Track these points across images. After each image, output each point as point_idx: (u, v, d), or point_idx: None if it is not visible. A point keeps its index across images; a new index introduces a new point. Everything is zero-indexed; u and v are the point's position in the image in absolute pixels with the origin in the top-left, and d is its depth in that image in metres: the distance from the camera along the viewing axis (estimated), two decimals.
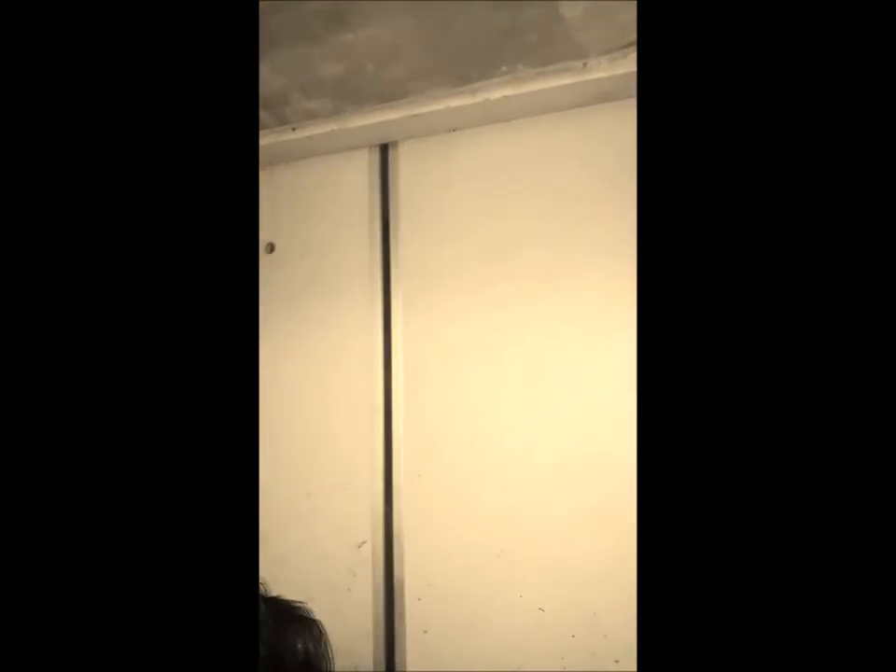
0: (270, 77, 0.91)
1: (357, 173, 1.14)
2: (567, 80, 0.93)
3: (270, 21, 0.78)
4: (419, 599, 0.99)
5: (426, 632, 0.99)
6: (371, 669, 1.01)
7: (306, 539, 1.09)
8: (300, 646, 0.84)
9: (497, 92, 0.96)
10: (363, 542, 1.05)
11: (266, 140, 1.11)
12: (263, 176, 1.21)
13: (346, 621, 1.04)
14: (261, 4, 0.74)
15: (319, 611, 1.07)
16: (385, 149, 1.13)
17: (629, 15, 0.77)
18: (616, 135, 0.96)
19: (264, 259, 1.18)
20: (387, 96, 0.99)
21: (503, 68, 0.92)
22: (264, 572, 1.12)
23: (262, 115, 1.04)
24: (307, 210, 1.17)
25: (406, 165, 1.11)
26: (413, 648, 0.99)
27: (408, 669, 0.99)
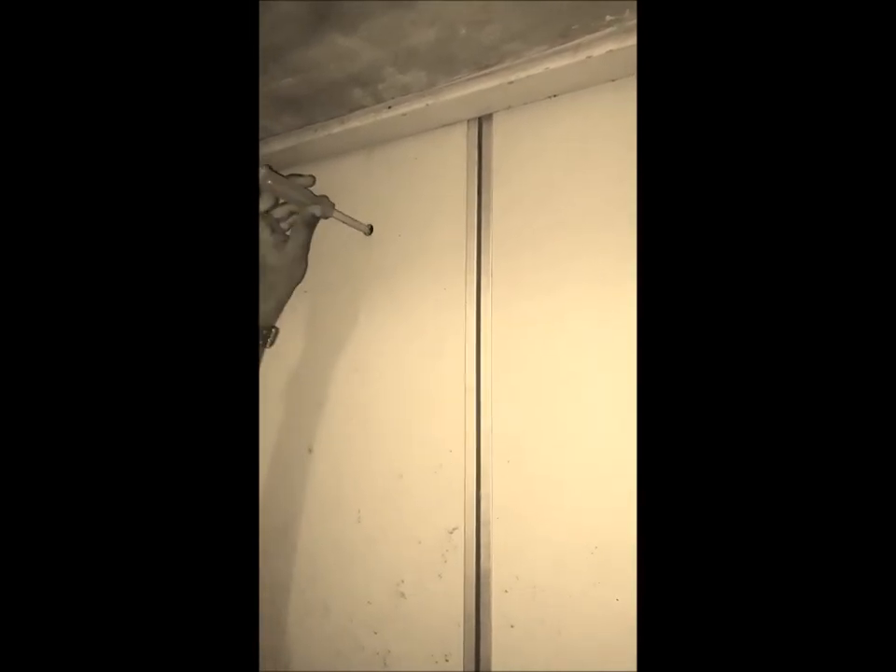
0: (363, 50, 0.91)
1: (453, 149, 1.11)
2: None
3: None
4: (506, 592, 0.94)
5: (512, 627, 0.93)
6: (461, 659, 0.98)
7: (398, 520, 1.08)
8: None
9: (600, 48, 0.87)
10: (454, 528, 1.02)
11: (364, 121, 1.11)
12: (361, 157, 1.22)
13: (437, 607, 1.02)
14: None
15: (410, 594, 1.06)
16: (481, 123, 1.08)
17: None
18: None
19: (362, 241, 1.19)
20: (482, 63, 0.94)
21: (608, 17, 0.83)
22: (355, 552, 1.13)
23: (358, 93, 1.04)
24: (404, 190, 1.16)
25: (501, 139, 1.06)
26: (498, 642, 0.94)
27: (493, 664, 0.94)
